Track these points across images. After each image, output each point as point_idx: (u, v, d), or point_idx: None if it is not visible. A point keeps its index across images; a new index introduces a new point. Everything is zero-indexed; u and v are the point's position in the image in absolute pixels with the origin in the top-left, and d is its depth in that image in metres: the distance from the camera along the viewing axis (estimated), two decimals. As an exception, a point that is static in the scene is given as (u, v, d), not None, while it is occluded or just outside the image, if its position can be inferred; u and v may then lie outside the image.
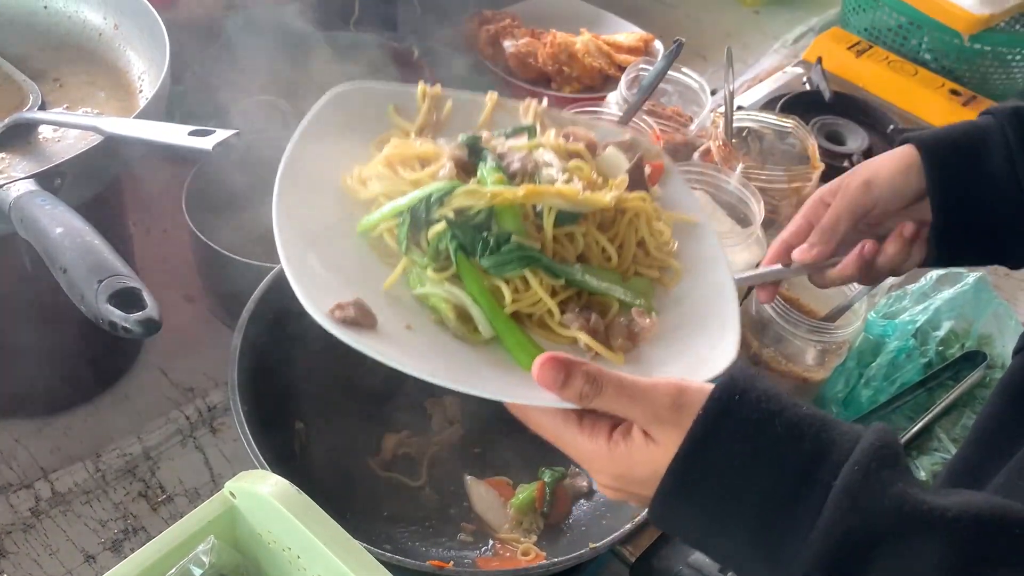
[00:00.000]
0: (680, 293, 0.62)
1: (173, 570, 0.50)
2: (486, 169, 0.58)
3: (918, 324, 0.95)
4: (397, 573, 0.67)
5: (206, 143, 0.59)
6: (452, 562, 0.61)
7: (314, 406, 0.77)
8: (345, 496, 0.73)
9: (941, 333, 1.01)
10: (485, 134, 0.64)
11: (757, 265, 0.96)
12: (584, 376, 0.48)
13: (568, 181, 0.59)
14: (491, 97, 0.68)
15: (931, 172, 0.69)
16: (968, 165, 0.69)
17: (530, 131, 0.64)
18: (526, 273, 0.55)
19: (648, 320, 0.57)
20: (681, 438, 0.46)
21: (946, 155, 0.69)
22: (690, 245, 0.65)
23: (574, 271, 0.57)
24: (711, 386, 0.48)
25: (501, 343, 0.55)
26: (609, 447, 0.49)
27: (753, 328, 0.95)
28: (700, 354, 0.57)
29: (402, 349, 0.52)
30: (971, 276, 0.97)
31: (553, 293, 0.56)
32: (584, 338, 0.55)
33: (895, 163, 0.71)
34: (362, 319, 0.53)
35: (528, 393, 0.50)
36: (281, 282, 0.75)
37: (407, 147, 0.62)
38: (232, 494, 0.55)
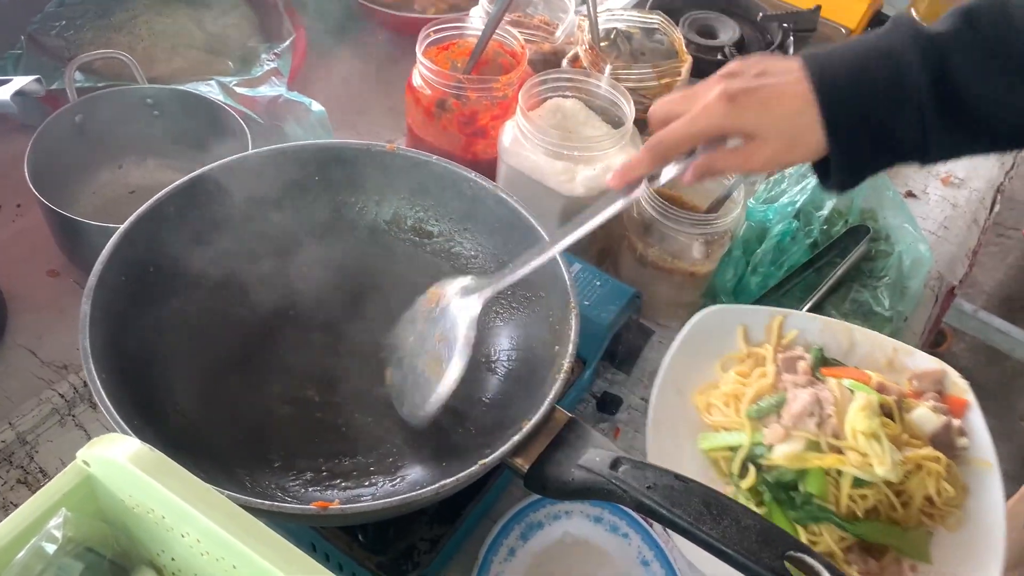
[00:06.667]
0: (956, 535, 0.75)
1: (23, 552, 0.47)
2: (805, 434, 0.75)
3: (798, 205, 0.95)
4: (280, 520, 0.65)
5: (3, 93, 0.54)
6: (337, 500, 0.59)
7: (188, 365, 0.73)
8: (232, 451, 0.70)
9: (824, 212, 1.02)
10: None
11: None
12: None
13: (873, 435, 0.72)
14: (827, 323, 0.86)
15: (834, 142, 0.63)
16: (874, 136, 0.62)
17: (858, 388, 0.77)
18: (821, 527, 0.73)
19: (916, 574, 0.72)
20: None
21: (851, 125, 0.62)
22: (975, 484, 0.78)
23: (860, 528, 0.73)
24: None
25: None
26: None
27: (637, 230, 0.94)
28: None
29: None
30: (843, 151, 0.98)
31: (841, 539, 0.73)
32: None
33: (787, 110, 0.63)
34: None
35: None
36: (132, 239, 0.71)
37: (741, 386, 0.80)
38: (86, 463, 0.51)
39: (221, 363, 0.75)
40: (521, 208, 0.77)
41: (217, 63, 1.11)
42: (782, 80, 0.64)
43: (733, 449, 0.77)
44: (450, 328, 0.70)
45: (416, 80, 0.98)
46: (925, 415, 0.78)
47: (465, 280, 0.72)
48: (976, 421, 0.81)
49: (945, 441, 0.77)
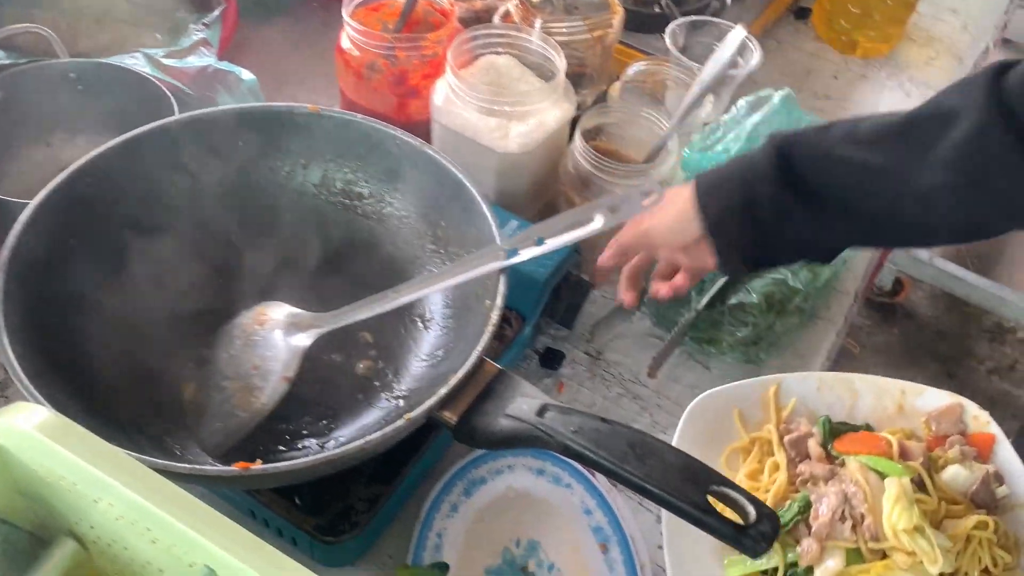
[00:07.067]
0: None
1: (-74, 525, 0.46)
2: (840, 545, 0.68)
3: (732, 152, 0.95)
4: (206, 485, 0.65)
5: None
6: (259, 460, 0.58)
7: (114, 337, 0.72)
8: (162, 422, 0.70)
9: (763, 160, 1.02)
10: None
11: (572, 123, 0.95)
12: None
13: (916, 529, 0.66)
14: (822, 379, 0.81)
15: (708, 227, 0.72)
16: (740, 219, 0.71)
17: (883, 468, 0.71)
18: None
19: None
20: None
21: (720, 211, 0.72)
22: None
23: None
24: None
25: None
26: None
27: (574, 185, 0.93)
28: None
29: None
30: (776, 95, 0.98)
31: None
32: None
33: (675, 212, 0.74)
34: None
35: None
36: (49, 211, 0.70)
37: (759, 493, 0.73)
38: (-7, 435, 0.50)
39: (149, 335, 0.74)
40: (449, 164, 0.77)
41: (144, 35, 1.09)
42: (676, 199, 0.75)
43: (767, 572, 0.70)
44: (270, 359, 0.68)
45: (345, 43, 0.97)
46: (958, 474, 0.72)
47: (296, 311, 0.71)
48: (1008, 457, 0.75)
49: (985, 495, 0.72)
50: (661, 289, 0.82)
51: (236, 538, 0.46)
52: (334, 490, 0.69)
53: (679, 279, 0.81)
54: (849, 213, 0.67)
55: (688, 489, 0.55)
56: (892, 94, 1.26)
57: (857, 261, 1.05)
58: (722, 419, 0.78)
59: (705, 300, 0.91)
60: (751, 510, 0.55)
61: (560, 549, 0.75)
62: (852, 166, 0.66)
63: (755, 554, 0.54)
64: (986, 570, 0.69)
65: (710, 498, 0.56)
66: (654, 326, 0.96)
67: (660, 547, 0.78)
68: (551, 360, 0.89)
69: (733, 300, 0.91)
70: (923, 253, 2.08)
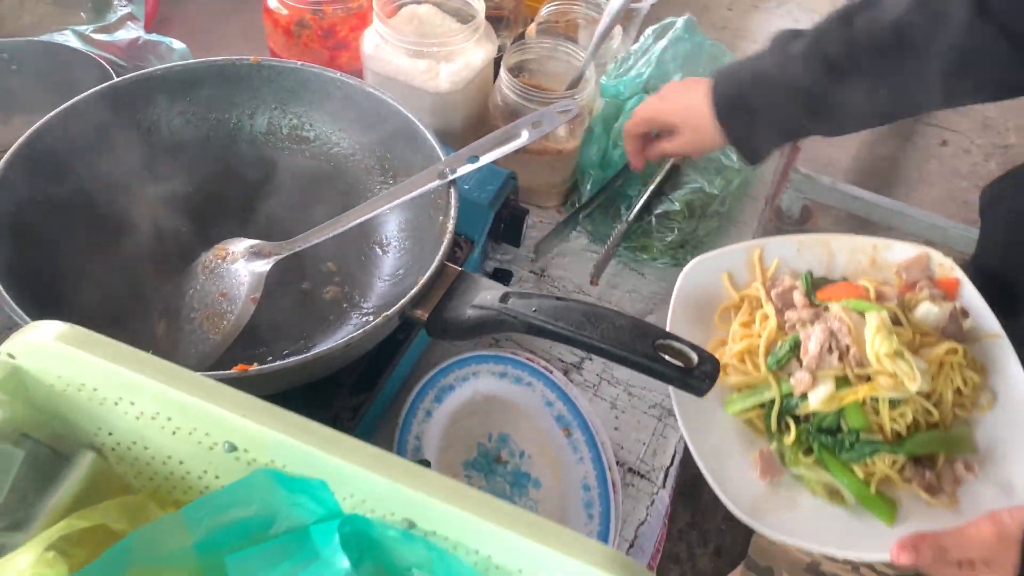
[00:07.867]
0: (992, 415, 0.79)
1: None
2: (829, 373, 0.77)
3: (644, 77, 1.03)
4: None
5: None
6: (255, 363, 0.64)
7: (92, 294, 0.75)
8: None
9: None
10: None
11: (495, 64, 1.01)
12: (929, 548, 0.67)
13: (897, 354, 0.74)
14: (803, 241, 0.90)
15: (728, 135, 0.84)
16: (756, 123, 0.82)
17: (863, 308, 0.79)
18: (875, 459, 0.75)
19: (970, 473, 0.75)
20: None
21: (734, 122, 0.83)
22: (991, 358, 0.80)
23: (906, 446, 0.75)
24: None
25: (863, 504, 0.75)
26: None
27: (504, 117, 1.00)
28: (1015, 481, 0.75)
29: (790, 523, 0.73)
30: (679, 21, 1.07)
31: (893, 462, 0.76)
32: (922, 495, 0.75)
33: (697, 112, 0.85)
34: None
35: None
36: (10, 174, 0.73)
37: (750, 338, 0.82)
38: (11, 355, 0.55)
39: (122, 284, 0.78)
40: (389, 98, 0.83)
41: (68, 15, 1.11)
42: (694, 95, 0.85)
43: (763, 405, 0.79)
44: (235, 286, 0.74)
45: (272, 3, 1.01)
46: (929, 311, 0.80)
47: (255, 241, 0.76)
48: (971, 296, 0.83)
49: (953, 328, 0.80)
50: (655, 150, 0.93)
51: (257, 408, 0.51)
52: (320, 402, 0.75)
53: (669, 147, 0.91)
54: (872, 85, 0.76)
55: (638, 344, 0.63)
56: (781, 21, 1.37)
57: (764, 171, 1.15)
58: (712, 283, 0.87)
59: (634, 212, 1.00)
60: (694, 356, 0.63)
61: (528, 438, 0.83)
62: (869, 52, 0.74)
63: (700, 392, 0.63)
64: (958, 391, 0.78)
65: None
66: (591, 242, 1.04)
67: (616, 429, 0.87)
68: (500, 279, 0.96)
69: (659, 210, 1.00)
70: (825, 179, 2.22)
